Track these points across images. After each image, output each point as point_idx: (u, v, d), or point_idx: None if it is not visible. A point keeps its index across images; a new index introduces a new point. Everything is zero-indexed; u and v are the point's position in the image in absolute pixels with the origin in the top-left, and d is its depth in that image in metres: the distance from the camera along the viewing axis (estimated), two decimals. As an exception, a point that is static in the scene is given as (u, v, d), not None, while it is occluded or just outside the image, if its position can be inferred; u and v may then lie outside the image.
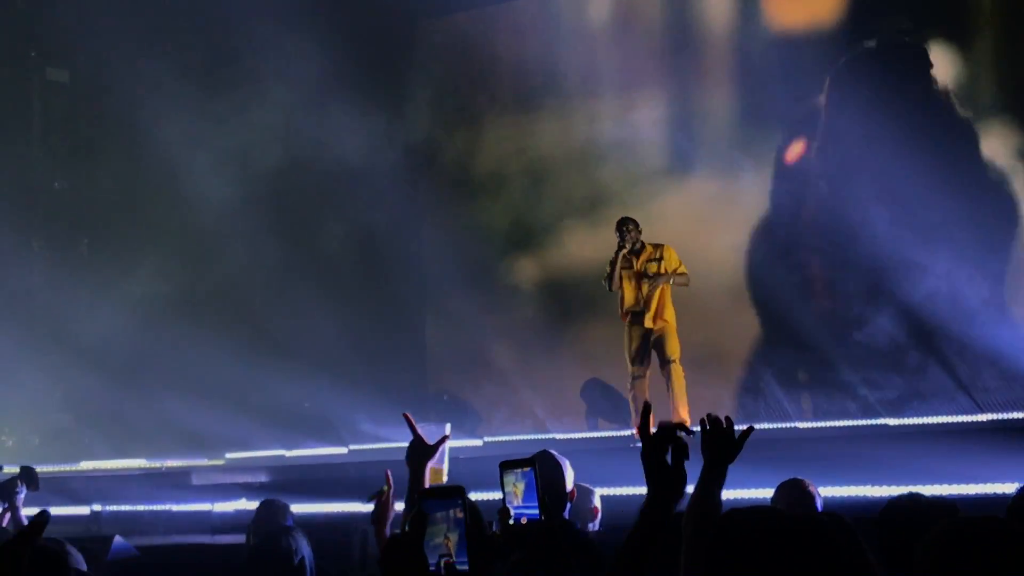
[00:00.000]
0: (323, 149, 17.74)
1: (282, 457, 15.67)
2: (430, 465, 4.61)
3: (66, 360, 18.32)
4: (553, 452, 5.46)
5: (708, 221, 16.43)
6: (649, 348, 12.47)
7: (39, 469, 9.01)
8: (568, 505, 5.38)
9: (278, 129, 18.79)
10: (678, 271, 12.51)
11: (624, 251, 12.49)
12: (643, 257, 12.60)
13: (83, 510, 12.79)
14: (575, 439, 14.18)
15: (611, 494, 8.69)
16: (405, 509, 4.47)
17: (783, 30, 16.56)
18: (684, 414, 12.10)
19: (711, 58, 17.77)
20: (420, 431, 4.66)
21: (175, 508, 12.91)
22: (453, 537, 3.42)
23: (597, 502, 6.82)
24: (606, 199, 17.18)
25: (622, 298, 12.59)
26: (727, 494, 3.46)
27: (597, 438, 14.44)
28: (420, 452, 4.58)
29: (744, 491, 8.17)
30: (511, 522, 4.07)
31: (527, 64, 18.96)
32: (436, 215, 18.61)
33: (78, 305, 18.58)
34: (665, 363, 12.37)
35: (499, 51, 19.47)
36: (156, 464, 15.81)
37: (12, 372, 18.04)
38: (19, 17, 19.32)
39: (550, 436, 14.30)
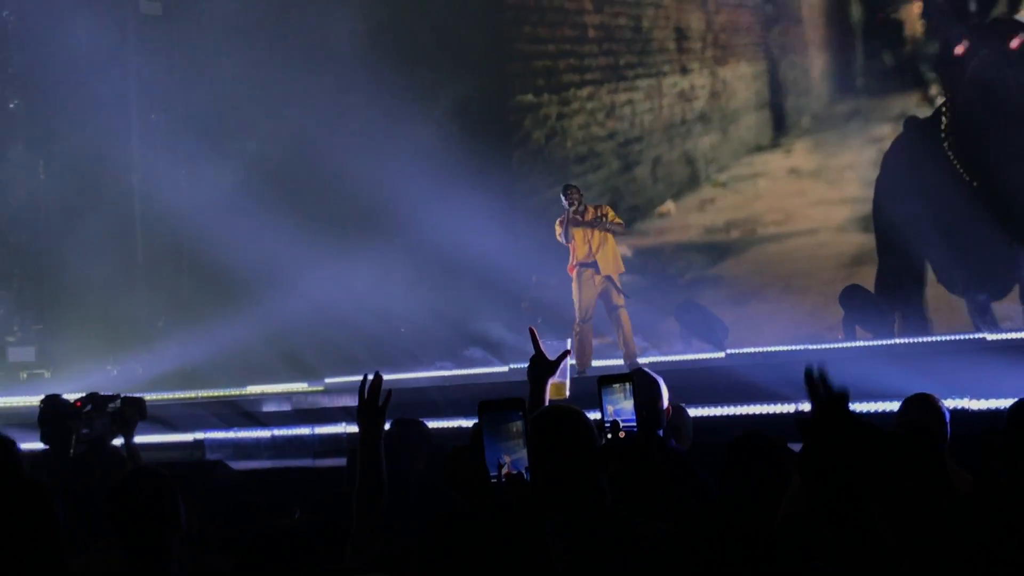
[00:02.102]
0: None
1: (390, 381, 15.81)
2: (552, 380, 4.66)
3: (168, 290, 18.65)
4: (648, 370, 5.54)
5: (809, 188, 16.76)
6: (595, 297, 13.97)
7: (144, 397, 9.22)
8: (664, 421, 5.47)
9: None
10: (616, 221, 14.14)
11: (572, 211, 14.02)
12: (589, 215, 14.14)
13: (186, 437, 13.01)
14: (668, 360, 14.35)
15: (701, 414, 8.76)
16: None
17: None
18: (634, 350, 13.98)
19: (808, 21, 18.08)
20: (542, 347, 4.71)
21: (277, 433, 13.09)
22: (516, 448, 3.50)
23: (689, 420, 6.89)
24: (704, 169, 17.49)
25: (574, 251, 14.08)
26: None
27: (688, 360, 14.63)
28: (542, 367, 4.63)
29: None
30: (620, 434, 4.17)
31: (617, 33, 19.18)
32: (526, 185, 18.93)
33: (183, 237, 18.87)
34: (613, 309, 13.99)
35: (587, 18, 19.73)
36: (256, 390, 16.04)
37: (115, 301, 18.39)
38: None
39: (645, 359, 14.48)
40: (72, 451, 7.96)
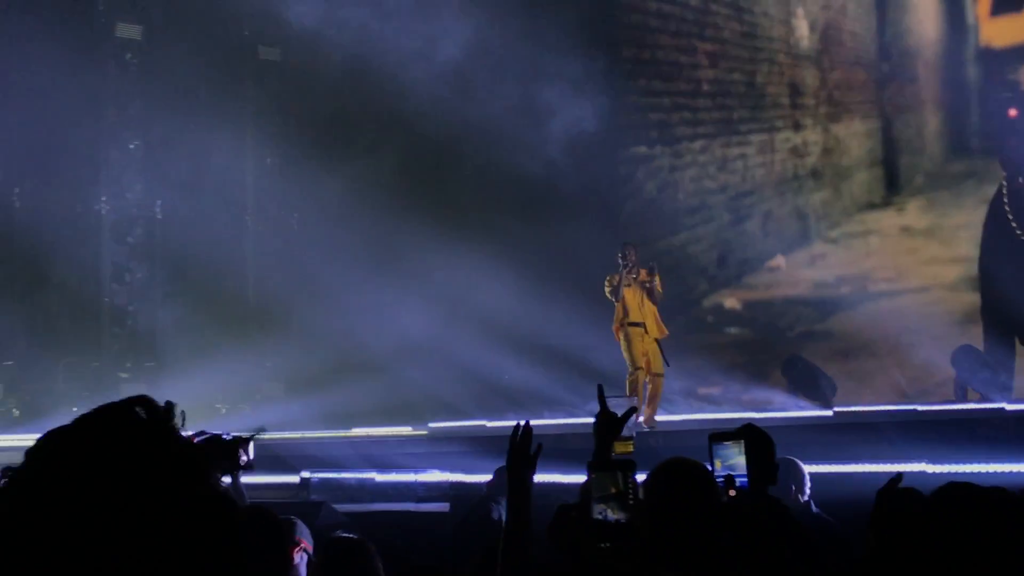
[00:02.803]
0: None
1: (483, 427, 15.85)
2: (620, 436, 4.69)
3: (277, 331, 18.86)
4: (758, 427, 5.49)
5: (921, 246, 16.69)
6: (645, 351, 14.45)
7: (250, 436, 9.30)
8: (776, 478, 5.42)
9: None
10: (659, 290, 14.55)
11: (626, 271, 14.42)
12: (642, 276, 14.56)
13: (293, 478, 13.11)
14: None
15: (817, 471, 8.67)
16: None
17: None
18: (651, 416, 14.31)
19: (923, 81, 17.99)
20: (609, 404, 4.69)
21: (379, 478, 13.14)
22: (617, 508, 3.47)
23: (806, 476, 6.80)
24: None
25: (622, 310, 14.50)
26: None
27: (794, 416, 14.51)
28: (609, 425, 4.62)
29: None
30: (731, 492, 4.13)
31: (731, 88, 19.19)
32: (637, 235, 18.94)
33: (290, 280, 19.10)
34: (654, 376, 14.46)
35: (701, 73, 19.80)
36: (362, 432, 16.11)
37: (226, 344, 18.62)
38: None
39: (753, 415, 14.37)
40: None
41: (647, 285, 14.48)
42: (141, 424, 1.81)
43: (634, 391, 14.24)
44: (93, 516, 1.72)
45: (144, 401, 1.83)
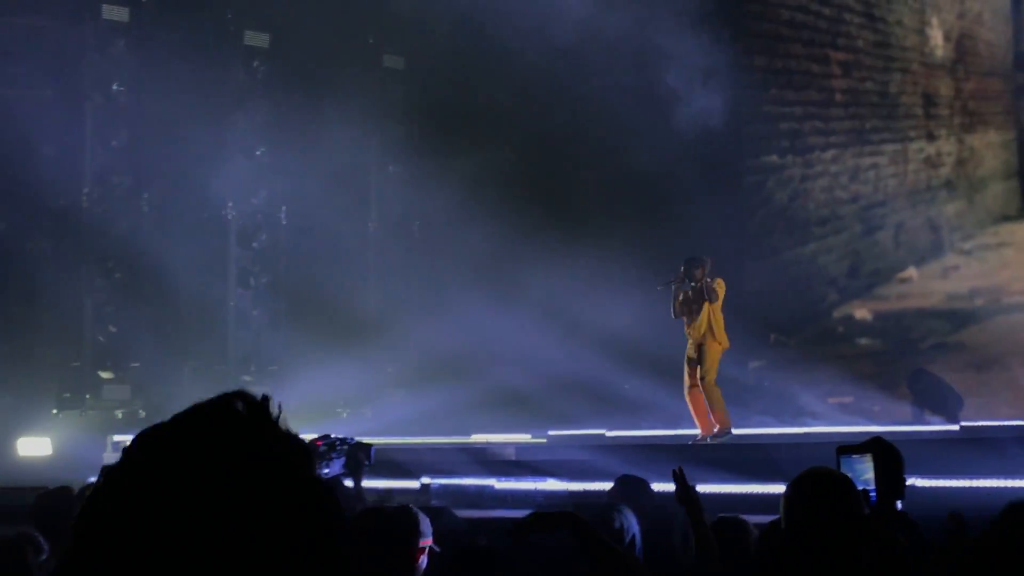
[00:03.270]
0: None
1: (602, 436, 15.72)
2: None
3: (397, 336, 18.91)
4: (886, 440, 5.28)
5: None
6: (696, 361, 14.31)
7: (372, 441, 9.30)
8: (904, 493, 5.20)
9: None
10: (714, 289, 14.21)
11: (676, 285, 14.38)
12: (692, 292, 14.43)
13: (413, 483, 13.09)
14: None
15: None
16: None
17: None
18: (711, 421, 14.18)
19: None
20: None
21: (498, 485, 13.08)
22: None
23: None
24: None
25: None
26: None
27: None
28: (693, 504, 5.17)
29: None
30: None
31: (863, 97, 18.93)
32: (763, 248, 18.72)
33: (411, 286, 19.16)
34: (701, 378, 14.19)
35: (834, 83, 19.58)
36: (481, 439, 16.07)
37: (347, 348, 18.71)
38: (360, 4, 19.95)
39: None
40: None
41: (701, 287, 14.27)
42: (239, 417, 1.76)
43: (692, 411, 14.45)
44: (190, 511, 1.68)
45: (241, 395, 1.79)
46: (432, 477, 13.14)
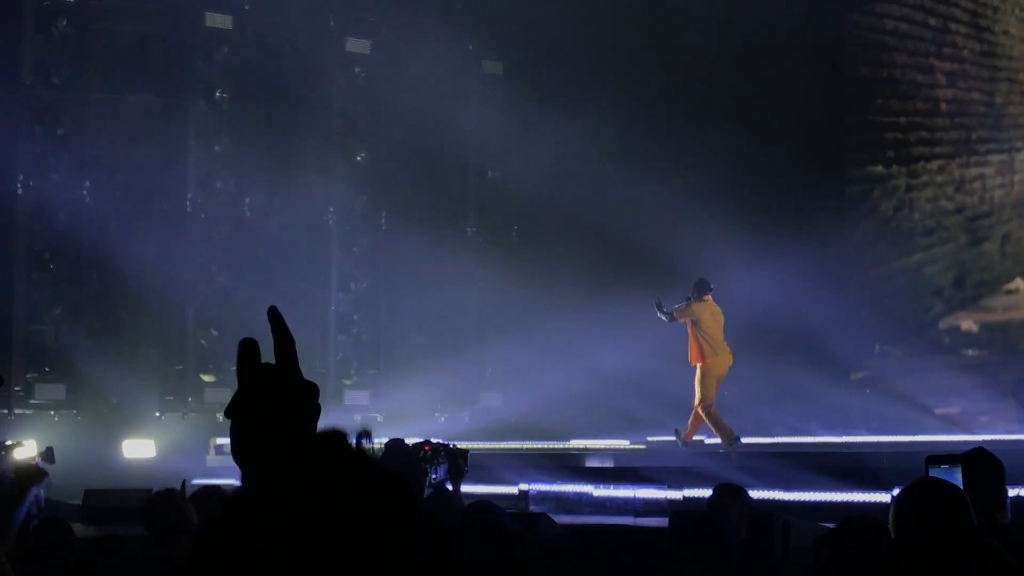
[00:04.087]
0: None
1: (702, 443, 15.63)
2: None
3: (495, 339, 18.94)
4: (987, 451, 5.15)
5: None
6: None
7: (469, 446, 9.33)
8: (1007, 505, 5.07)
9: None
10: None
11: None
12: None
13: (511, 489, 13.08)
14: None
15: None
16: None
17: None
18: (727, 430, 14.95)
19: None
20: None
21: (597, 491, 13.03)
22: None
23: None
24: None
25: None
26: None
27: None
28: None
29: None
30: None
31: (969, 107, 18.73)
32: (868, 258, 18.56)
33: (510, 291, 19.18)
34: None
35: (940, 92, 19.39)
36: (580, 445, 16.04)
37: (446, 352, 18.79)
38: (460, 10, 20.04)
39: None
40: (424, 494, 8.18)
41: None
42: (348, 454, 1.85)
43: (713, 427, 15.11)
44: (307, 542, 1.76)
45: (337, 433, 1.89)
46: (530, 483, 13.11)
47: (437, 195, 19.45)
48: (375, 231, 19.61)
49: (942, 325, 19.33)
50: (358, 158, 19.58)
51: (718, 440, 14.98)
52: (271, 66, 18.12)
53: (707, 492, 9.45)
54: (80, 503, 11.98)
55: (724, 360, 15.22)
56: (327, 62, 19.26)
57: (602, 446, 15.85)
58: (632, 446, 15.96)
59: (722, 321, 15.29)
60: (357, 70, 19.53)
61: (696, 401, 15.07)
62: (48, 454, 9.83)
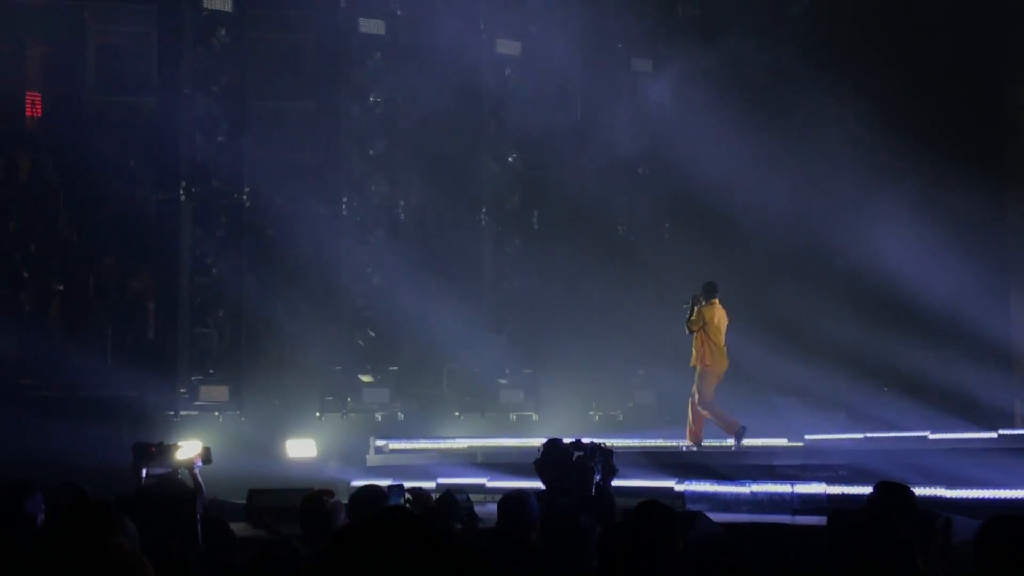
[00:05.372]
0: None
1: (863, 440, 15.45)
2: None
3: (646, 334, 18.95)
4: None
5: None
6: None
7: (620, 443, 9.40)
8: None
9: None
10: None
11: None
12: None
13: (667, 485, 13.06)
14: None
15: None
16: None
17: None
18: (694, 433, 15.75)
19: None
20: None
21: (756, 487, 12.94)
22: None
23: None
24: None
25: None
26: None
27: None
28: None
29: None
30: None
31: None
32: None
33: (661, 289, 19.15)
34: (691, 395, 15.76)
35: None
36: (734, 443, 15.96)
37: (599, 348, 18.87)
38: (608, 10, 20.09)
39: None
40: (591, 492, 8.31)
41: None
42: (424, 534, 2.09)
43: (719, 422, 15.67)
44: None
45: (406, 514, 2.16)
46: (686, 481, 13.09)
47: (588, 194, 19.50)
48: (527, 231, 19.74)
49: None
50: (510, 159, 19.73)
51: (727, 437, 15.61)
52: (423, 70, 18.35)
53: (866, 489, 9.37)
54: (244, 502, 12.22)
55: (723, 363, 15.73)
56: (478, 65, 19.45)
57: (759, 444, 15.76)
58: (790, 444, 15.84)
59: (726, 325, 15.73)
60: (507, 72, 19.67)
61: (696, 401, 15.61)
62: (206, 454, 10.13)
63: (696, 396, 15.63)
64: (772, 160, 18.50)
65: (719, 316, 15.65)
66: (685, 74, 19.70)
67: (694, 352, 15.68)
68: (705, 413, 15.62)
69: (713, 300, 15.61)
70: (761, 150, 18.50)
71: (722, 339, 15.64)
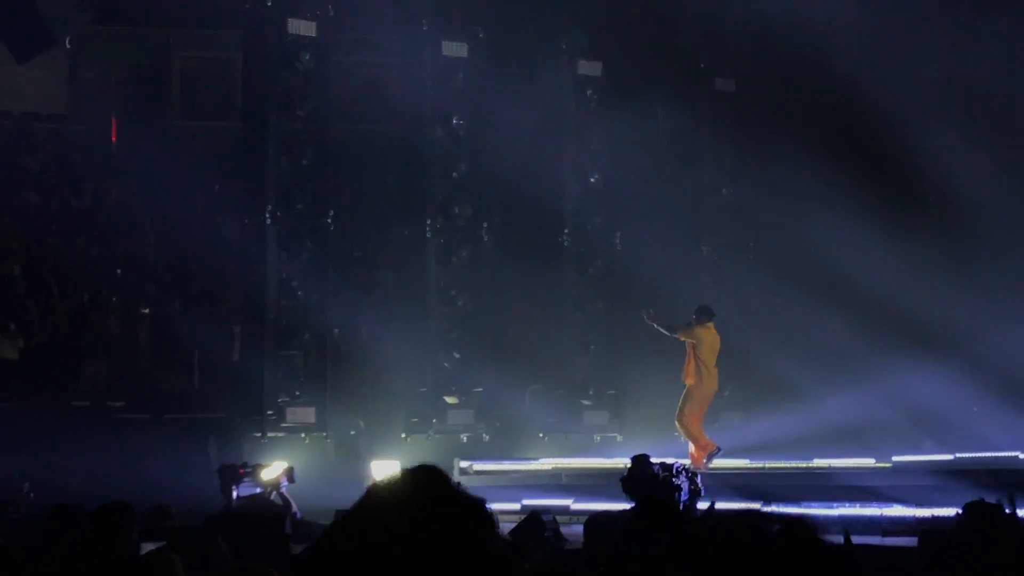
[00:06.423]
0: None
1: (950, 460, 15.31)
2: None
3: (737, 359, 18.87)
4: None
5: None
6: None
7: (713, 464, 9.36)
8: None
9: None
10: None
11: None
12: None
13: (754, 506, 12.99)
14: None
15: None
16: None
17: None
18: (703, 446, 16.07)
19: None
20: None
21: (841, 511, 12.87)
22: None
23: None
24: None
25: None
26: None
27: None
28: None
29: None
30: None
31: None
32: None
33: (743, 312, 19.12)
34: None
35: None
36: (823, 464, 15.84)
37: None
38: (691, 32, 20.12)
39: None
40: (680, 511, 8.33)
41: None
42: (431, 490, 2.16)
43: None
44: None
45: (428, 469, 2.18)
46: (772, 503, 13.01)
47: (670, 214, 19.48)
48: (610, 251, 19.73)
49: None
50: (592, 179, 19.72)
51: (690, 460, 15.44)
52: (505, 92, 18.41)
53: (955, 510, 9.27)
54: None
55: (712, 385, 16.32)
56: (559, 85, 19.49)
57: (846, 464, 15.62)
58: (877, 465, 15.69)
59: (718, 349, 16.19)
60: (589, 92, 19.69)
61: (676, 415, 16.22)
62: (291, 473, 10.23)
63: (677, 413, 16.24)
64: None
65: (712, 338, 16.08)
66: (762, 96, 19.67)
67: (685, 369, 16.24)
68: (679, 428, 16.22)
69: (707, 323, 16.19)
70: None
71: (713, 361, 16.12)
